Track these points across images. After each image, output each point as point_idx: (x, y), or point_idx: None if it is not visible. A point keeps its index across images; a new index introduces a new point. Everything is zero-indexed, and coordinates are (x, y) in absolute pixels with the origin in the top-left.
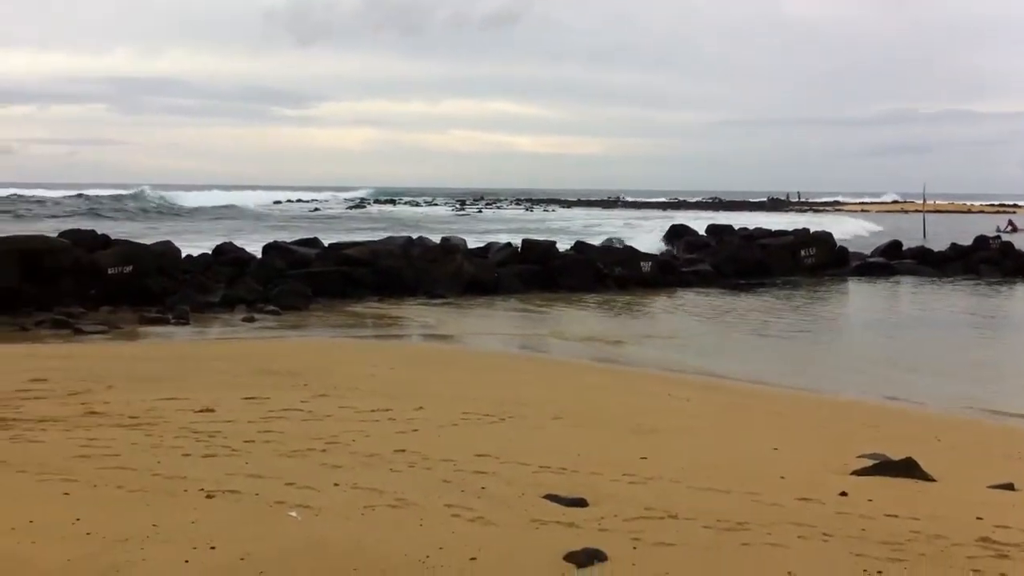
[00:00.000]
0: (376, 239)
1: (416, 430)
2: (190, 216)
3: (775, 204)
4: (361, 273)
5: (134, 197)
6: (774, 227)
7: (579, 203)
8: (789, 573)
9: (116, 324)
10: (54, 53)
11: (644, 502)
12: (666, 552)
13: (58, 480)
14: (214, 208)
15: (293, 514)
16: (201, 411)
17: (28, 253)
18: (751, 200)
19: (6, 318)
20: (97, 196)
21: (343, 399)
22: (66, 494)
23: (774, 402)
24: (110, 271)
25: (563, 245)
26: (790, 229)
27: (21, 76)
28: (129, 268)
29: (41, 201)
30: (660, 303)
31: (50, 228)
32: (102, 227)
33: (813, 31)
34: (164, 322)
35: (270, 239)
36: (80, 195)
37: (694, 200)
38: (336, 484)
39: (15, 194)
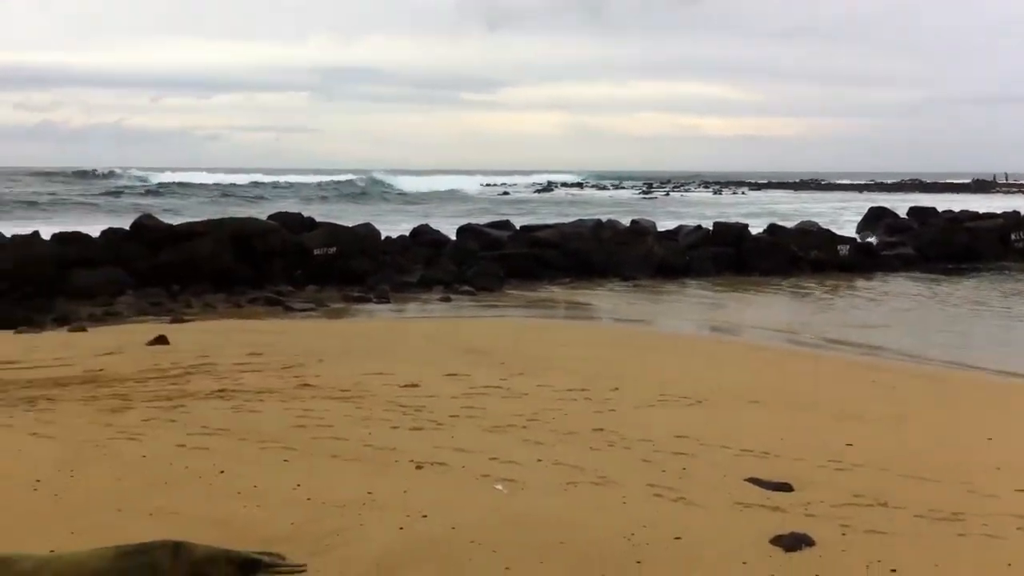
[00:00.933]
0: (565, 222)
1: (613, 410)
2: (414, 200)
3: (981, 186)
4: (552, 255)
5: (351, 183)
6: (981, 210)
7: (770, 185)
8: (1009, 565)
9: (323, 302)
10: (258, 43)
11: (852, 489)
12: (877, 540)
13: (278, 448)
14: (433, 192)
15: (499, 487)
16: (406, 386)
17: (241, 235)
18: (954, 182)
19: (222, 296)
20: (324, 182)
21: (540, 378)
22: (286, 461)
23: (988, 390)
24: (316, 252)
25: (755, 228)
26: (999, 212)
27: (227, 66)
28: (333, 249)
29: (259, 183)
30: (860, 287)
31: (259, 212)
32: (328, 211)
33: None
34: (367, 301)
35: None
36: (289, 183)
37: (892, 182)
38: (539, 460)
39: (232, 183)
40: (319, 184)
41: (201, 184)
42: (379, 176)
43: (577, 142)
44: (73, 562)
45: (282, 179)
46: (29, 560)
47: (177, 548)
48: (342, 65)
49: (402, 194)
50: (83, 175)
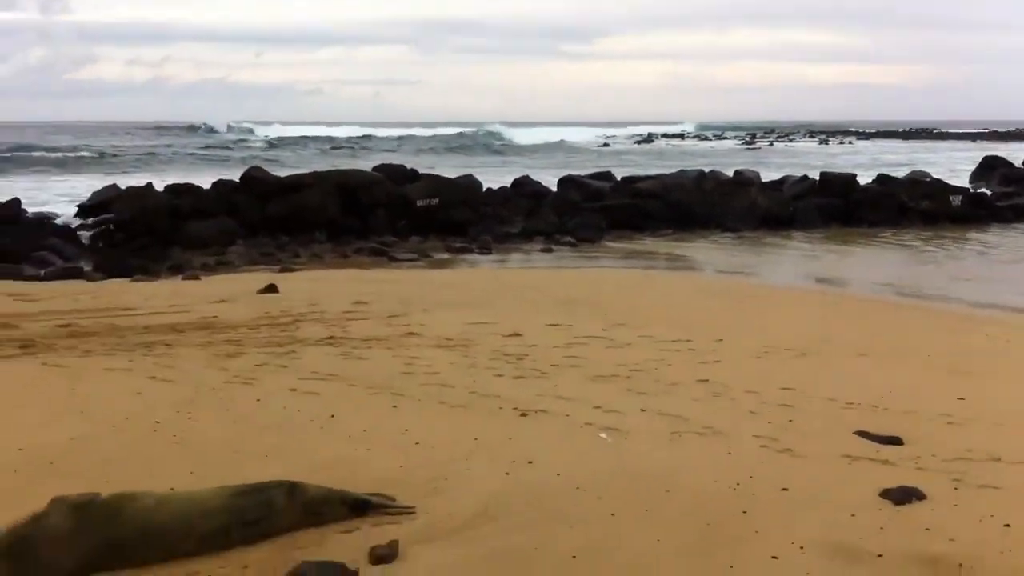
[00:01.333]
0: (667, 173)
1: (718, 361)
2: (520, 151)
3: None
4: (653, 206)
5: (462, 135)
6: None
7: (879, 135)
8: None
9: (426, 252)
10: None
11: (964, 443)
12: (990, 495)
13: (386, 394)
14: (545, 145)
15: (603, 436)
16: (509, 335)
17: (346, 187)
18: None
19: (329, 246)
20: (439, 135)
21: (642, 329)
22: (394, 407)
23: None
24: (418, 203)
25: (863, 179)
26: None
27: (329, 21)
28: (435, 200)
29: (369, 136)
30: (973, 239)
31: (364, 165)
32: (435, 163)
33: None
34: (469, 251)
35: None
36: (397, 136)
37: (1006, 130)
38: (643, 410)
39: (335, 135)
40: (431, 136)
41: (303, 136)
42: (491, 128)
43: (678, 92)
44: (193, 500)
45: (388, 132)
46: (151, 497)
47: (292, 488)
48: (442, 18)
49: (506, 145)
50: (192, 129)
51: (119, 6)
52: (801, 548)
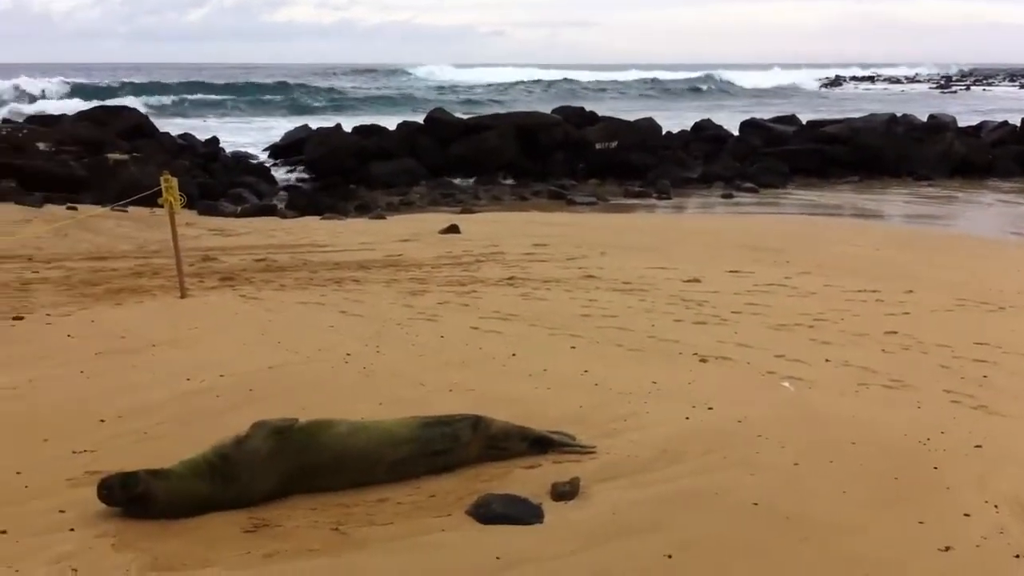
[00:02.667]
0: (855, 117)
1: (907, 313)
2: (747, 96)
3: None
4: (839, 151)
5: (699, 80)
6: None
7: None
8: None
9: (603, 196)
10: None
11: None
12: None
13: (565, 335)
14: (772, 88)
15: (786, 384)
16: (688, 281)
17: (526, 129)
18: None
19: (508, 188)
20: (664, 80)
21: (827, 277)
22: (573, 348)
23: None
24: (597, 146)
25: None
26: None
27: None
28: (614, 144)
29: (566, 79)
30: None
31: (545, 107)
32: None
33: None
34: (647, 195)
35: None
36: (598, 81)
37: None
38: (827, 360)
39: (518, 79)
40: (643, 80)
41: (477, 82)
42: (711, 72)
43: (865, 33)
44: (383, 428)
45: (591, 75)
46: (344, 425)
47: (477, 421)
48: None
49: (721, 89)
50: (375, 72)
51: None
52: (996, 507)
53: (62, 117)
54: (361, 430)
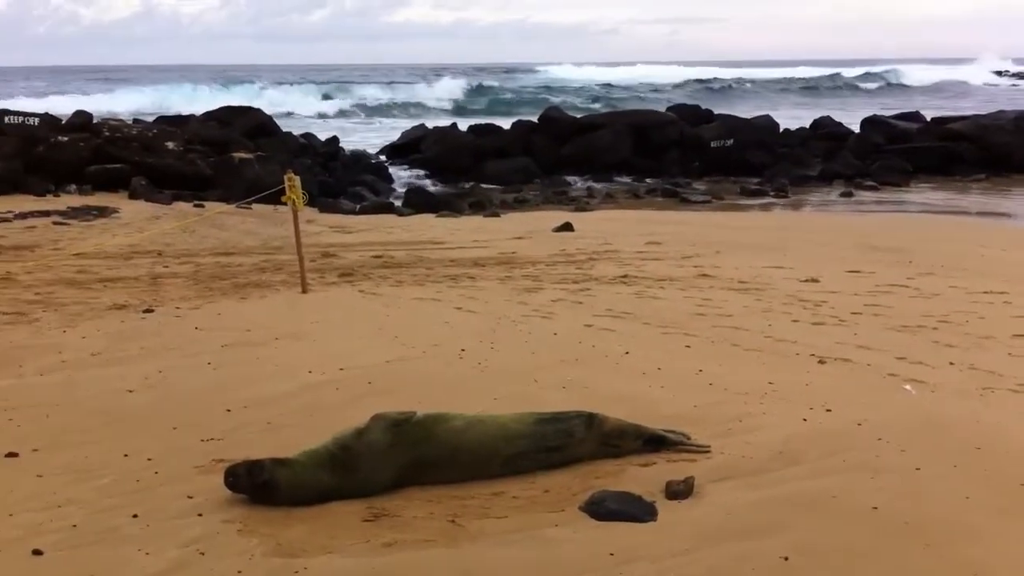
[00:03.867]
0: (982, 114)
1: None
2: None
3: None
4: (965, 149)
5: (861, 77)
6: None
7: None
8: None
9: (718, 194)
10: None
11: None
12: None
13: (679, 334)
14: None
15: (908, 387)
16: (806, 281)
17: (639, 127)
18: None
19: (621, 187)
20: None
21: (951, 278)
22: (687, 347)
23: None
24: (712, 144)
25: None
26: None
27: None
28: (730, 141)
29: (710, 81)
30: None
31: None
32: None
33: None
34: (763, 194)
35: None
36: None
37: None
38: (951, 363)
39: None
40: (783, 78)
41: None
42: (879, 68)
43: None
44: (498, 423)
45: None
46: (461, 419)
47: (591, 418)
48: None
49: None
50: (487, 70)
51: None
52: None
53: (189, 117)
54: (477, 424)
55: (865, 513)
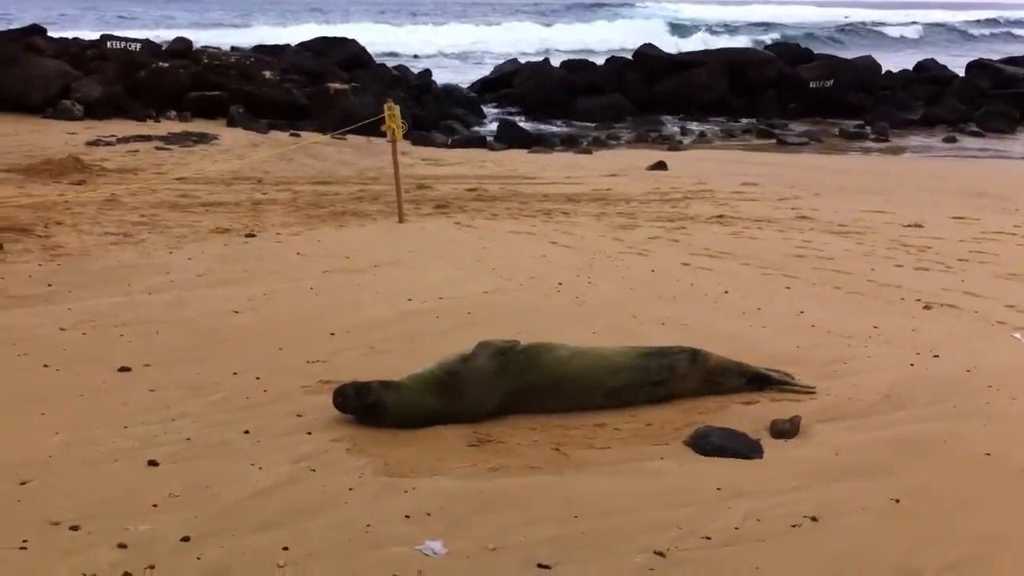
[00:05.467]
0: None
1: None
2: None
3: None
4: None
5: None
6: None
7: None
8: None
9: (816, 136)
10: None
11: None
12: None
13: (779, 275)
14: None
15: (1017, 336)
16: (909, 226)
17: (736, 65)
18: None
19: (715, 126)
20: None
21: None
22: (787, 288)
23: None
24: (811, 85)
25: None
26: None
27: None
28: (830, 82)
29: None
30: None
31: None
32: None
33: None
34: (863, 137)
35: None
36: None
37: None
38: None
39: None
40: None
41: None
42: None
43: None
44: (601, 355)
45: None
46: (565, 349)
47: (695, 354)
48: None
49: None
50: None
51: None
52: None
53: (285, 47)
54: (580, 355)
55: (978, 459)
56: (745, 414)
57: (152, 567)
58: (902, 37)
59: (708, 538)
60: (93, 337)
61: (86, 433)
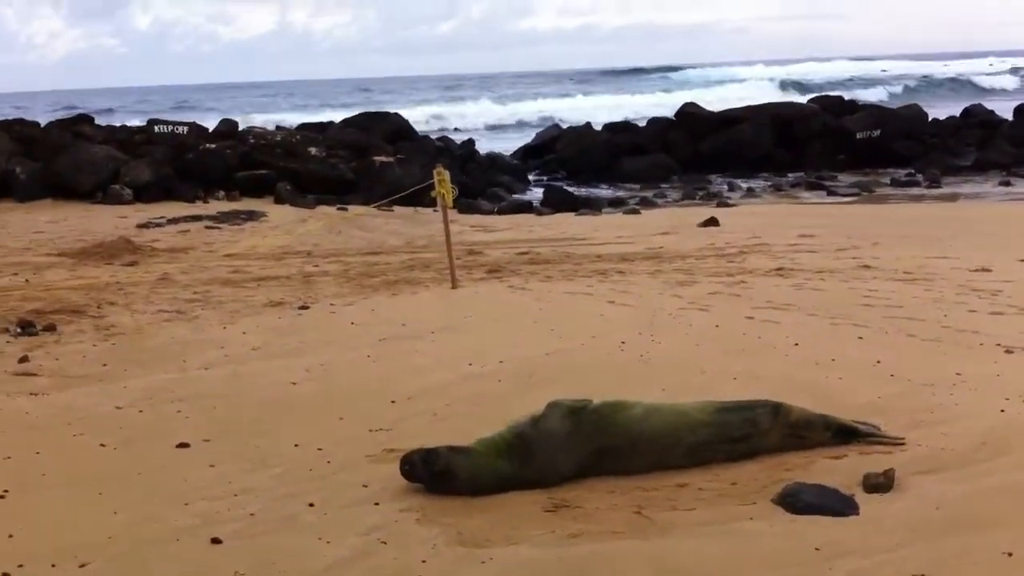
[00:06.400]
0: None
1: None
2: None
3: None
4: None
5: None
6: None
7: None
8: None
9: (867, 187)
10: None
11: None
12: None
13: (848, 324)
14: None
15: None
16: (976, 270)
17: (781, 119)
18: None
19: (763, 182)
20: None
21: None
22: (860, 338)
23: None
24: (858, 135)
25: None
26: None
27: None
28: (877, 132)
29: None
30: None
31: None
32: None
33: None
34: (915, 184)
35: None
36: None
37: None
38: None
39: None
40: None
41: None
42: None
43: None
44: (679, 411)
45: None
46: (640, 407)
47: (777, 407)
48: None
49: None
50: (616, 73)
51: None
52: None
53: (329, 124)
54: (657, 412)
55: None
56: (834, 469)
57: None
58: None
59: None
60: (150, 414)
61: (146, 511)
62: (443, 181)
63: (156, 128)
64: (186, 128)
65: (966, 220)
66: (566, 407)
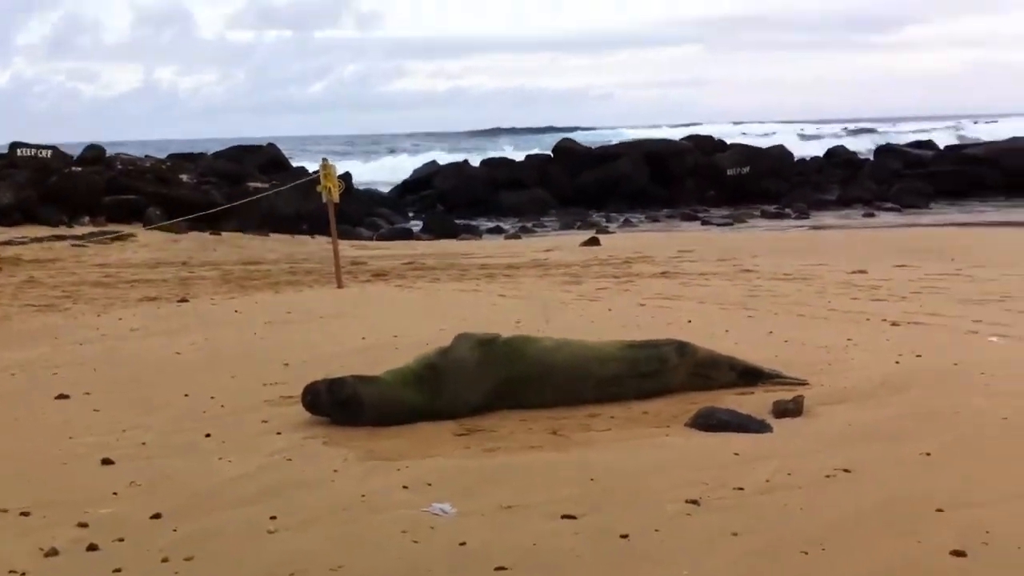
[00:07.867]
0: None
1: None
2: None
3: None
4: (984, 172)
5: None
6: None
7: None
8: None
9: (740, 218)
10: None
11: None
12: None
13: (739, 309)
14: None
15: (993, 339)
16: (854, 272)
17: (656, 155)
18: None
19: (640, 215)
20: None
21: (1003, 269)
22: (750, 317)
23: None
24: (729, 172)
25: None
26: None
27: (620, 23)
28: (746, 169)
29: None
30: None
31: None
32: None
33: None
34: (784, 216)
35: None
36: None
37: None
38: None
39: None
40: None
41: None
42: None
43: (990, 80)
44: (589, 346)
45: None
46: (549, 340)
47: (683, 346)
48: (734, 14)
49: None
50: (484, 133)
51: (425, 22)
52: None
53: (201, 155)
54: (567, 345)
55: (996, 423)
56: (743, 402)
57: (121, 540)
58: None
59: (741, 488)
60: (23, 378)
61: (28, 447)
62: (329, 175)
63: (19, 151)
64: (50, 152)
65: (838, 241)
66: (476, 339)
